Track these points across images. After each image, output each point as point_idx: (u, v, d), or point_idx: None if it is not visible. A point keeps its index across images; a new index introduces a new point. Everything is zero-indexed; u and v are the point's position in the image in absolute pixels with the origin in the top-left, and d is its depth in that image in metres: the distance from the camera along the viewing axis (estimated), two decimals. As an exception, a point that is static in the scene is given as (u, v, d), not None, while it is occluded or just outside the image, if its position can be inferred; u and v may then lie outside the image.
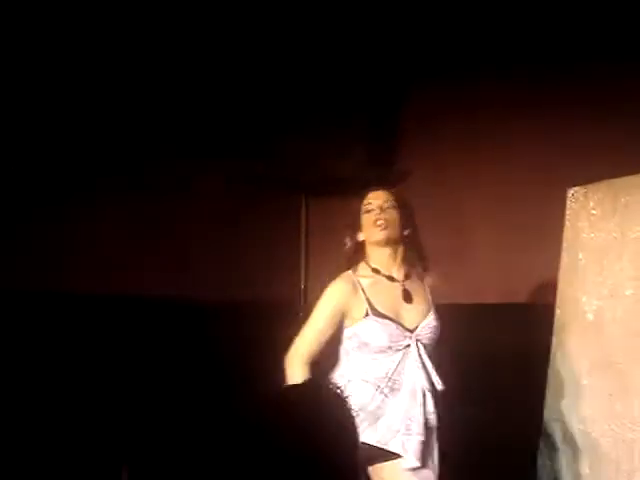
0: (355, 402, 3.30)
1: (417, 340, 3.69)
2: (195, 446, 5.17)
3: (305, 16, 5.43)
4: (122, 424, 4.90)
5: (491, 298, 5.36)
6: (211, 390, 5.34)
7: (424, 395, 3.67)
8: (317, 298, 5.73)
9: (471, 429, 4.57)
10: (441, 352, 3.86)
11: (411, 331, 3.71)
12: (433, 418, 3.69)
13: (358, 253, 3.86)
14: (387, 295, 3.75)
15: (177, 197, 5.37)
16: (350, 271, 3.82)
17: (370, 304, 3.71)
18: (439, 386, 3.72)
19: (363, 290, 3.74)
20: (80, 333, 4.89)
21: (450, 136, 5.64)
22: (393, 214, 3.81)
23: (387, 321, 3.69)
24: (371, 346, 3.68)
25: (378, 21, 5.47)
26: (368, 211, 3.86)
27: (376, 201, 3.86)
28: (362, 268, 3.83)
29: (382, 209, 3.82)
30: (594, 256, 4.22)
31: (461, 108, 5.58)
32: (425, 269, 3.91)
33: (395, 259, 3.82)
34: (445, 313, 3.87)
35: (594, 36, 5.14)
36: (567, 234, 4.36)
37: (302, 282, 5.89)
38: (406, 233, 3.83)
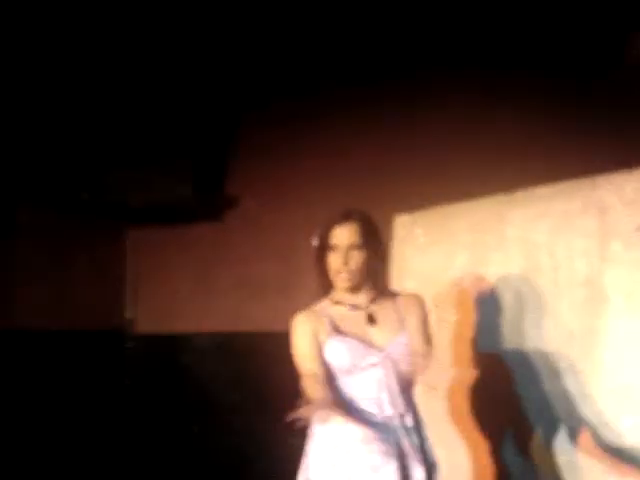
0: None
1: (388, 358, 3.56)
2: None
3: (134, 42, 5.34)
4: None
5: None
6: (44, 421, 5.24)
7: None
8: (146, 328, 5.78)
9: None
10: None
11: (381, 349, 3.59)
12: None
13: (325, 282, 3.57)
14: (351, 319, 3.62)
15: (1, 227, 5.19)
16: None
17: (333, 325, 3.58)
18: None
19: (327, 315, 3.60)
20: None
21: (279, 159, 5.64)
22: (359, 257, 3.48)
23: (349, 339, 3.57)
24: (337, 368, 3.56)
25: (207, 52, 5.43)
26: (332, 249, 3.50)
27: (341, 241, 3.49)
28: (325, 299, 3.68)
29: (347, 252, 3.48)
30: (424, 283, 4.28)
31: (290, 131, 5.60)
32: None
33: (360, 290, 3.54)
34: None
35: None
36: (395, 262, 4.41)
37: (128, 312, 5.79)
38: (374, 267, 3.52)
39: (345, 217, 3.49)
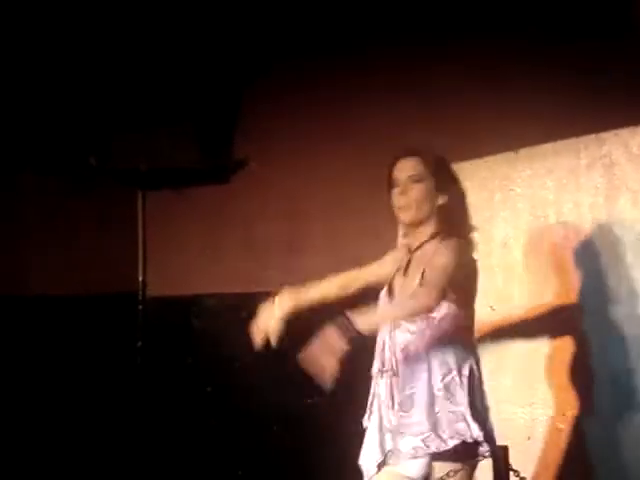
0: None
1: None
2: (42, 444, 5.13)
3: (134, 7, 5.35)
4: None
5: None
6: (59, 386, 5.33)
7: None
8: (157, 291, 5.83)
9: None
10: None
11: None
12: None
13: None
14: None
15: (10, 194, 5.22)
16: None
17: None
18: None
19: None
20: None
21: (286, 121, 5.65)
22: (418, 191, 3.35)
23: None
24: None
25: (211, 12, 5.44)
26: (392, 185, 3.41)
27: (400, 174, 3.39)
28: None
29: (406, 185, 3.36)
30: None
31: (299, 95, 5.60)
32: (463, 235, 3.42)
33: (420, 226, 3.39)
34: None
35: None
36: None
37: (140, 275, 5.84)
38: (440, 202, 3.37)
39: (407, 152, 3.42)
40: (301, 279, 3.54)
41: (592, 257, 4.09)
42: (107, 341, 5.65)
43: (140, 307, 5.81)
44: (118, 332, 5.76)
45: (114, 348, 5.70)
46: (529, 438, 4.24)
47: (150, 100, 5.45)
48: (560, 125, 4.51)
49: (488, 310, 4.31)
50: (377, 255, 3.63)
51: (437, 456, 3.21)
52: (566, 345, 4.12)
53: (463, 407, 3.21)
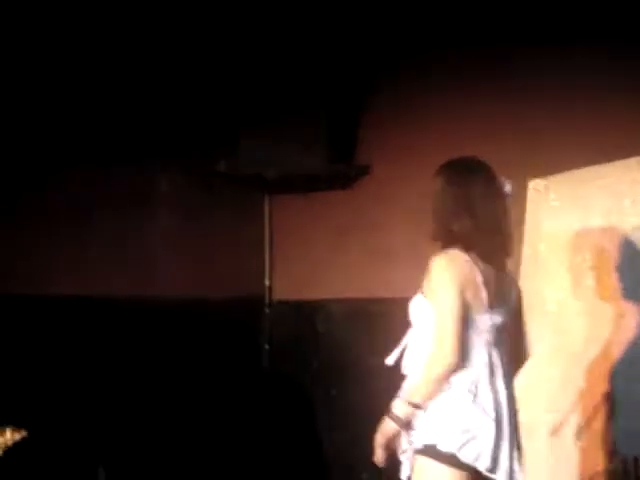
0: None
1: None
2: (171, 445, 5.24)
3: (262, 15, 5.44)
4: (98, 424, 4.92)
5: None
6: (186, 387, 5.41)
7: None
8: (283, 295, 5.91)
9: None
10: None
11: None
12: None
13: None
14: None
15: (141, 198, 5.35)
16: None
17: None
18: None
19: None
20: (49, 333, 4.87)
21: (408, 131, 5.66)
22: (433, 203, 3.37)
23: None
24: None
25: (336, 18, 5.49)
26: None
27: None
28: None
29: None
30: (555, 247, 4.28)
31: (419, 98, 5.60)
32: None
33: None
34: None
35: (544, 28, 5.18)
36: (528, 226, 4.41)
37: (267, 279, 5.93)
38: (455, 227, 3.29)
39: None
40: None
41: None
42: (234, 344, 5.75)
43: (267, 311, 5.91)
44: (245, 335, 5.86)
45: (241, 351, 5.80)
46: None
47: (278, 110, 5.53)
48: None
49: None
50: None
51: None
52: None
53: None
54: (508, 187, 3.37)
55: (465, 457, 3.14)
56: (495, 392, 3.22)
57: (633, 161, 4.30)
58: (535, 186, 4.41)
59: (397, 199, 5.68)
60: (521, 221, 4.41)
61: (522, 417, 3.26)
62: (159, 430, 5.20)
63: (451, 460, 3.15)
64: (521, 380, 4.13)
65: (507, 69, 5.30)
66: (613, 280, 4.13)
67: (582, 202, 4.22)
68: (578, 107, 5.08)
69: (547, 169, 4.43)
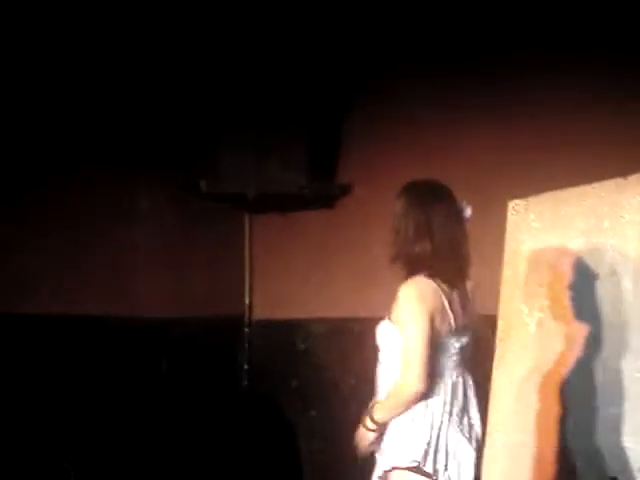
0: None
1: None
2: (150, 465, 5.21)
3: (244, 34, 5.45)
4: (74, 445, 4.89)
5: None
6: (166, 407, 5.39)
7: None
8: (263, 314, 5.90)
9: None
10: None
11: None
12: None
13: None
14: None
15: (120, 216, 5.33)
16: None
17: None
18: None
19: None
20: (27, 353, 4.83)
21: (390, 150, 5.67)
22: (395, 226, 3.47)
23: None
24: None
25: (317, 36, 5.51)
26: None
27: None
28: None
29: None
30: (535, 268, 4.27)
31: (400, 123, 5.62)
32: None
33: None
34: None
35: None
36: (508, 246, 4.41)
37: (247, 299, 5.92)
38: (416, 250, 3.37)
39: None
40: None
41: None
42: (214, 363, 5.73)
43: (246, 330, 5.90)
44: (224, 355, 5.84)
45: (220, 370, 5.79)
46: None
47: (258, 128, 5.53)
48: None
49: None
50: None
51: None
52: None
53: None
54: (468, 211, 3.42)
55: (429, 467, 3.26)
56: (466, 411, 3.36)
57: (612, 183, 4.31)
58: (515, 207, 4.40)
59: (377, 218, 5.63)
60: (501, 242, 4.41)
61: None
62: (138, 449, 5.17)
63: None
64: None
65: (490, 90, 5.32)
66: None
67: (562, 223, 4.22)
68: (558, 128, 5.11)
69: (527, 190, 4.43)
